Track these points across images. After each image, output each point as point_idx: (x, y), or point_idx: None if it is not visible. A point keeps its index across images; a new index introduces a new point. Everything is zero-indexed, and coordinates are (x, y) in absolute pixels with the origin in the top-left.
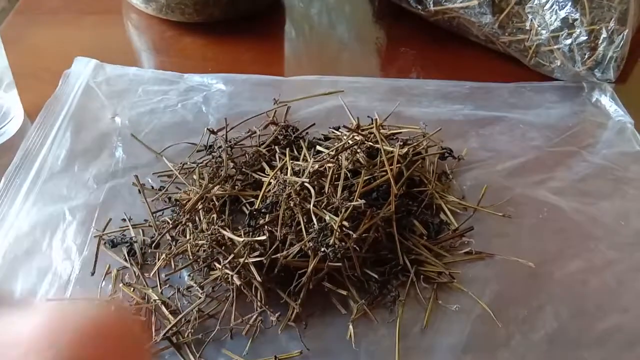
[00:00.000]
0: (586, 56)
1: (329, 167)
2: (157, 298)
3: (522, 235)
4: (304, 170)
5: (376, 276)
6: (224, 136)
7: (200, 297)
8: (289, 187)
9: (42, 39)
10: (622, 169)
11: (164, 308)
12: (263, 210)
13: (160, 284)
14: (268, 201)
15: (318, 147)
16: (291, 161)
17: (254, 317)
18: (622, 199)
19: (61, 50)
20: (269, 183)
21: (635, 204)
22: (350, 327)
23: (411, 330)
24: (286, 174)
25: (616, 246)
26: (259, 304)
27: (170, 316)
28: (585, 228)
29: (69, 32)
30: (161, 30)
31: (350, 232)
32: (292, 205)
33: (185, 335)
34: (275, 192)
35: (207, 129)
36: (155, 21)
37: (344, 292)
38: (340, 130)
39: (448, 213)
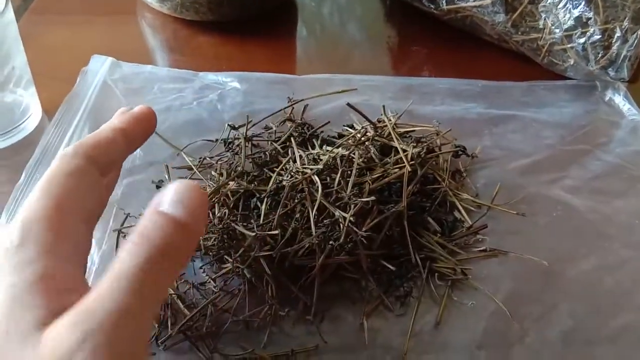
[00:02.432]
0: (600, 55)
1: (341, 159)
2: (172, 292)
3: (536, 234)
4: (315, 160)
5: (390, 266)
6: (244, 132)
7: (214, 291)
8: (300, 175)
9: (57, 38)
10: (636, 168)
11: (179, 302)
12: (272, 203)
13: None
14: (276, 187)
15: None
16: (305, 154)
17: (265, 310)
18: (636, 198)
19: (76, 48)
20: (279, 174)
21: None
22: (364, 321)
23: (425, 326)
24: (297, 166)
25: (630, 245)
26: (269, 297)
27: (185, 310)
28: (599, 226)
29: (83, 31)
30: (175, 29)
31: (356, 229)
32: (299, 197)
33: (203, 330)
34: (285, 182)
35: (228, 124)
36: (170, 20)
37: (359, 279)
38: (353, 127)
39: (462, 211)
